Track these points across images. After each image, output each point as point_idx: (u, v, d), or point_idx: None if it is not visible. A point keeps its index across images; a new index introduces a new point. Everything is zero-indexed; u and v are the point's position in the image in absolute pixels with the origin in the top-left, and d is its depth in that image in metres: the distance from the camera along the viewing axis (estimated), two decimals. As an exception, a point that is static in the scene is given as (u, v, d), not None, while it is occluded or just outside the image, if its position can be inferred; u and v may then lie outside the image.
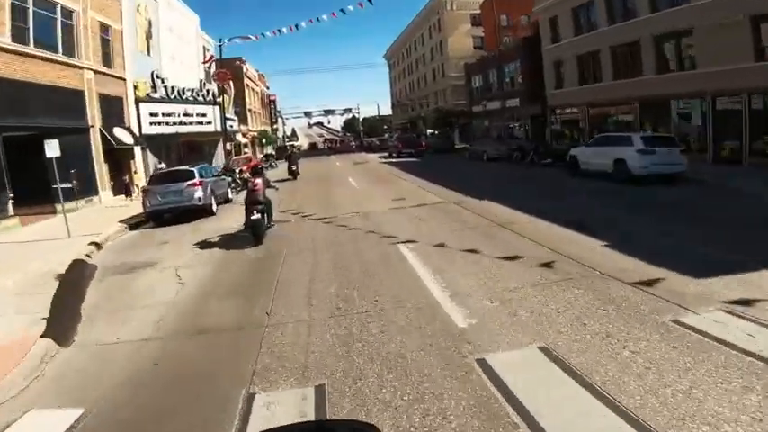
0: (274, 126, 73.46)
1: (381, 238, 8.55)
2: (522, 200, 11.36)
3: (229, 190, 16.05)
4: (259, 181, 9.16)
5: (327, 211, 12.06)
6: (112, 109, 19.79)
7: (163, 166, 21.87)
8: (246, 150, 49.25)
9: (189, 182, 12.47)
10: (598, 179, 14.60)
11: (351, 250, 7.88)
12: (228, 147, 30.54)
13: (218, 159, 33.99)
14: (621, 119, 22.34)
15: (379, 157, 35.10)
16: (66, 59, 16.18)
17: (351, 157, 38.31)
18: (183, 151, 29.46)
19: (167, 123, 23.83)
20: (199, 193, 12.41)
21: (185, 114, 25.17)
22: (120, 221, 12.40)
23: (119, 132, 19.29)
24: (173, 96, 24.24)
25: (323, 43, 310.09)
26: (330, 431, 1.45)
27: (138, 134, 21.50)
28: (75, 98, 16.85)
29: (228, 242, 9.32)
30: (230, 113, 33.12)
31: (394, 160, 30.10)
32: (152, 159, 23.44)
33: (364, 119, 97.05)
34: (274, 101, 73.02)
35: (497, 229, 8.67)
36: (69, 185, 14.16)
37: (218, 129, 28.40)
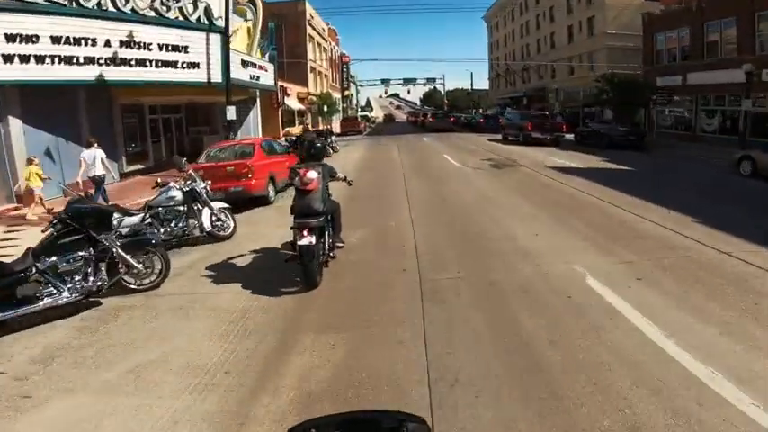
0: (346, 93, 60.34)
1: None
2: None
3: None
4: (314, 175, 4.68)
5: None
6: None
7: (99, 155, 9.38)
8: (306, 120, 36.19)
9: None
10: None
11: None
12: (244, 113, 17.01)
13: (251, 132, 20.89)
14: None
15: (494, 141, 21.85)
16: None
17: (461, 144, 22.64)
18: (172, 119, 16.83)
19: (71, 61, 10.90)
20: None
21: (127, 43, 12.05)
22: None
23: None
24: (88, 3, 11.16)
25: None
26: (377, 422, 1.29)
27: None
28: None
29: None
30: (255, 55, 19.39)
31: (568, 164, 14.18)
32: (31, 137, 10.78)
33: (448, 91, 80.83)
34: (347, 63, 59.73)
35: None
36: None
37: (218, 79, 15.08)
